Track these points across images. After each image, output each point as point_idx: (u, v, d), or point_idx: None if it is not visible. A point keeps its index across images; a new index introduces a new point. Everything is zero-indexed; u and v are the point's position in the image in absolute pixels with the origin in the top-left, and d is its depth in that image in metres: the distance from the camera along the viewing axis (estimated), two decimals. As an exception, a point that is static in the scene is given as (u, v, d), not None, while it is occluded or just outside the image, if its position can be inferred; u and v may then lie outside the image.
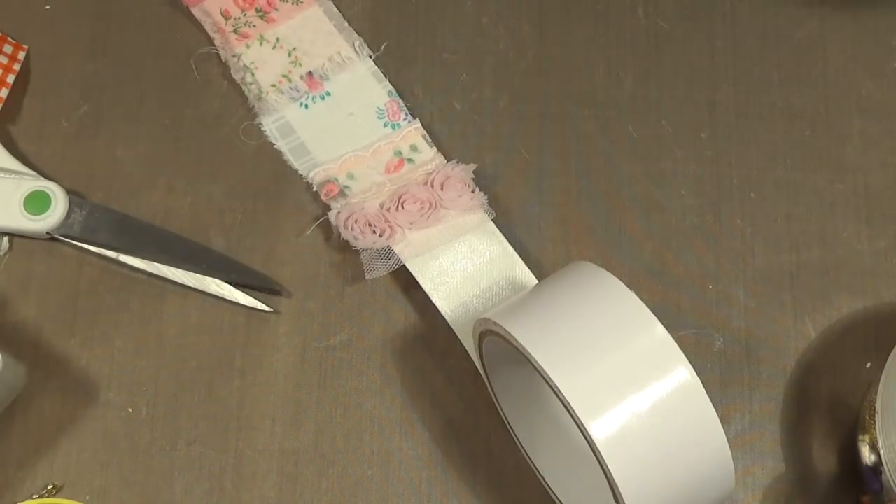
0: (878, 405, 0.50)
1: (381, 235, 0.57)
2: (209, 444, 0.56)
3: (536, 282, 0.56)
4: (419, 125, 0.60)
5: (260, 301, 0.58)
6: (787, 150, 0.61)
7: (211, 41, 0.62)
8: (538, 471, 0.55)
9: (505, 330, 0.47)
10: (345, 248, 0.58)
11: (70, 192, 0.59)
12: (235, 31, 0.62)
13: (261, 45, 0.62)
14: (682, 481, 0.46)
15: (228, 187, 0.60)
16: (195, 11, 0.62)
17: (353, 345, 0.58)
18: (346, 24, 0.62)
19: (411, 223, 0.58)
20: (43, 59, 0.62)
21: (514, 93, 0.62)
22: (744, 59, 0.62)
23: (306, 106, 0.61)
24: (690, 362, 0.46)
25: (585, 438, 0.45)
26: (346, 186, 0.59)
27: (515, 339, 0.47)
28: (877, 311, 0.58)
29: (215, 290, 0.58)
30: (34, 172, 0.59)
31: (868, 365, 0.57)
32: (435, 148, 0.60)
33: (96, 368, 0.57)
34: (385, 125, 0.60)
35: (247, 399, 0.57)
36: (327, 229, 0.59)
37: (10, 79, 0.60)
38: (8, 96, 0.60)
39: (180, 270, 0.58)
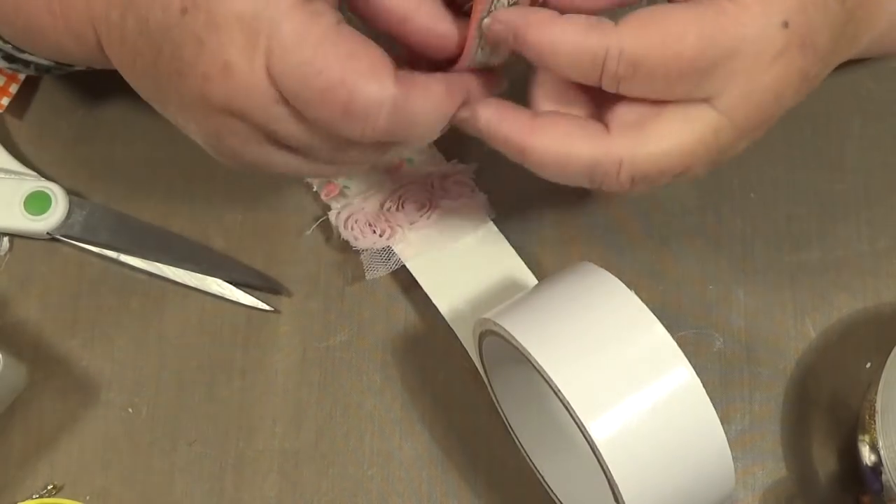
0: (878, 405, 0.50)
1: (381, 235, 0.57)
2: (209, 444, 0.56)
3: (536, 282, 0.56)
4: (419, 125, 0.60)
5: (260, 300, 0.58)
6: (787, 150, 0.61)
7: (211, 41, 0.62)
8: (538, 471, 0.55)
9: (505, 330, 0.47)
10: (345, 248, 0.58)
11: (70, 192, 0.59)
12: (236, 32, 0.62)
13: (261, 45, 0.62)
14: (682, 481, 0.46)
15: (228, 187, 0.60)
16: (195, 11, 0.62)
17: (353, 345, 0.58)
18: (347, 24, 0.62)
19: (411, 223, 0.58)
20: (43, 60, 0.62)
21: (514, 92, 0.62)
22: (744, 59, 0.62)
23: (306, 106, 0.61)
24: (690, 362, 0.46)
25: (585, 438, 0.45)
26: (346, 186, 0.59)
27: (515, 339, 0.47)
28: (877, 311, 0.58)
29: (216, 289, 0.58)
30: (34, 173, 0.59)
31: (868, 365, 0.57)
32: (435, 148, 0.60)
33: (96, 368, 0.57)
34: (385, 125, 0.60)
35: (247, 399, 0.57)
36: (327, 229, 0.59)
37: (13, 88, 0.60)
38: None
39: (181, 270, 0.58)
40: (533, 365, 0.46)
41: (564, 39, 0.45)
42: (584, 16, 0.46)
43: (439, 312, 0.56)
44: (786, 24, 0.45)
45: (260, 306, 0.58)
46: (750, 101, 0.46)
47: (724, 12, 0.45)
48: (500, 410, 0.56)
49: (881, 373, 0.51)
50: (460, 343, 0.56)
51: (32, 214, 0.58)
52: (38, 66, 0.54)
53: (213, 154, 0.48)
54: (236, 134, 0.45)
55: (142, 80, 0.47)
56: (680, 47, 0.44)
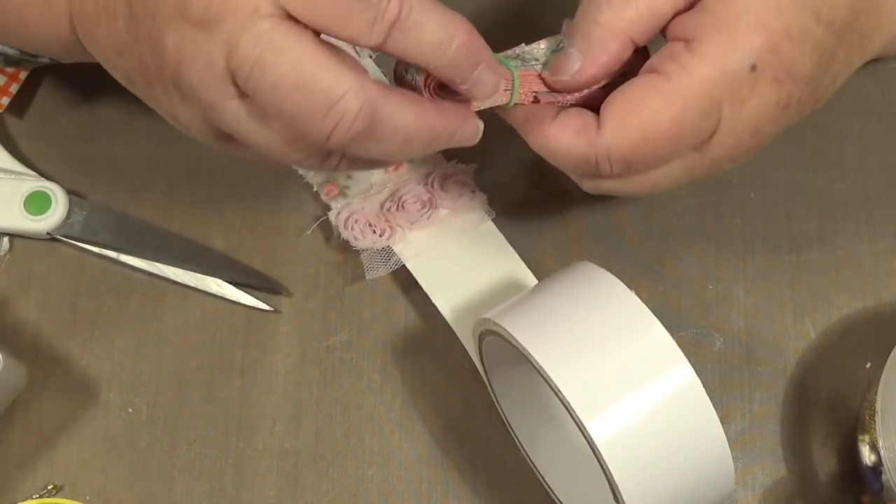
0: (878, 405, 0.51)
1: (381, 235, 0.57)
2: (209, 444, 0.56)
3: (536, 282, 0.56)
4: (419, 125, 0.60)
5: (260, 301, 0.58)
6: (787, 150, 0.61)
7: (211, 41, 0.62)
8: (538, 471, 0.55)
9: (505, 330, 0.47)
10: (345, 248, 0.58)
11: (70, 192, 0.59)
12: (235, 32, 0.62)
13: (261, 45, 0.62)
14: (681, 481, 0.46)
15: (228, 187, 0.60)
16: (195, 11, 0.62)
17: (353, 345, 0.58)
18: (347, 24, 0.62)
19: (411, 223, 0.58)
20: (43, 60, 0.62)
21: (514, 93, 0.62)
22: (744, 59, 0.62)
23: (306, 106, 0.61)
24: (690, 362, 0.46)
25: (585, 438, 0.45)
26: (346, 186, 0.59)
27: (515, 339, 0.47)
28: (877, 311, 0.58)
29: (216, 289, 0.58)
30: (34, 173, 0.59)
31: (868, 365, 0.57)
32: (435, 148, 0.60)
33: (96, 368, 0.57)
34: (385, 125, 0.60)
35: (247, 399, 0.57)
36: (327, 229, 0.59)
37: (14, 88, 0.60)
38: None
39: (181, 270, 0.58)
40: (533, 365, 0.46)
41: (558, 146, 0.48)
42: (573, 118, 0.47)
43: (439, 312, 0.56)
44: (753, 67, 0.46)
45: (260, 306, 0.58)
46: (726, 141, 0.47)
47: (689, 74, 0.46)
48: (499, 410, 0.56)
49: (881, 373, 0.51)
50: (460, 343, 0.56)
51: (32, 214, 0.58)
52: (7, 58, 0.54)
53: (198, 137, 0.48)
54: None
55: (126, 63, 0.47)
56: (660, 132, 0.46)
